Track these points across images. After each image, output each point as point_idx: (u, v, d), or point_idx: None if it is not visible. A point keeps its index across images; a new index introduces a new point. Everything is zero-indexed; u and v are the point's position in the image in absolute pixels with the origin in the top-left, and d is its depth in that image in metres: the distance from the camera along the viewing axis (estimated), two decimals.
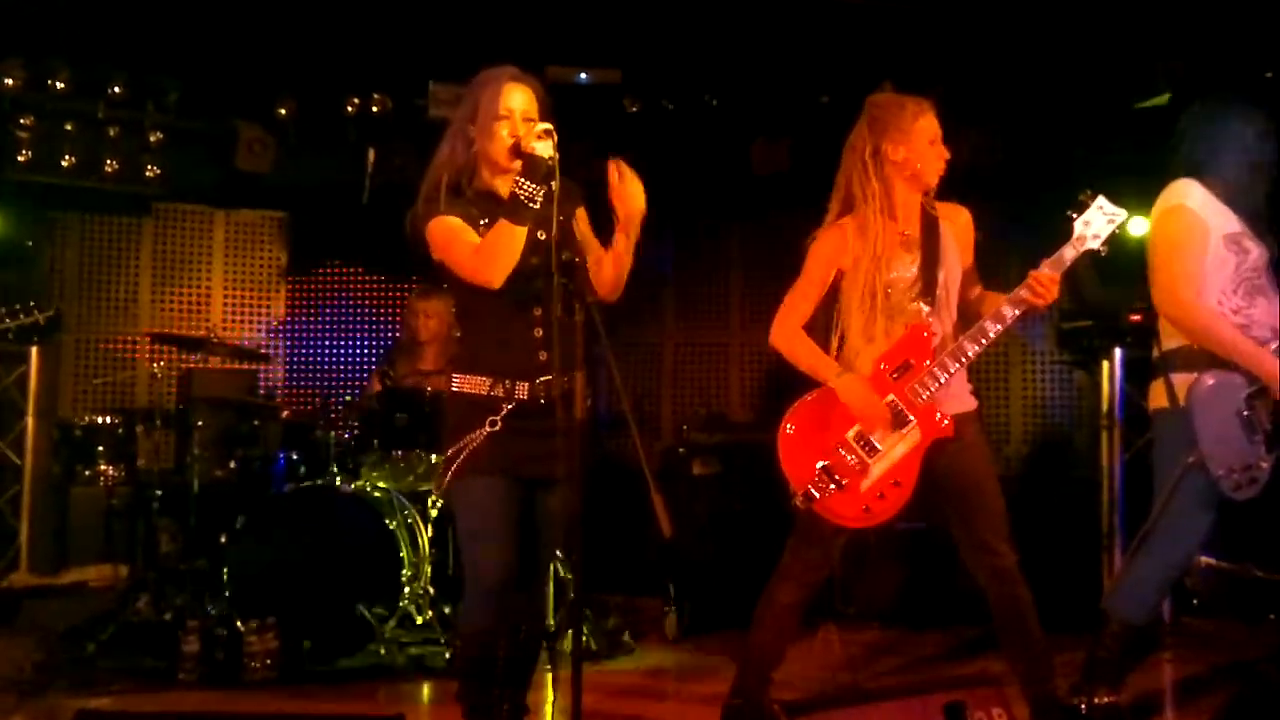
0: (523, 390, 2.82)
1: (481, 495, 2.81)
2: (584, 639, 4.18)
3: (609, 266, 2.91)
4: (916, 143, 3.14)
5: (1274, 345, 3.18)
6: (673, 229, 6.37)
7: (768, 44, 5.46)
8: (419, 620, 4.20)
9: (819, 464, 3.10)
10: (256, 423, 4.97)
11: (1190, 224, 3.21)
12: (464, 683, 2.91)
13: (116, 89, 5.52)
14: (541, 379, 2.81)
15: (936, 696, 2.37)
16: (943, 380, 3.08)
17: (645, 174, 6.12)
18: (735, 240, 6.41)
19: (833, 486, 3.09)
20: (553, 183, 2.71)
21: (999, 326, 3.07)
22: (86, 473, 5.17)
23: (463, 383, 2.87)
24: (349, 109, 5.74)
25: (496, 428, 2.80)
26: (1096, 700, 3.31)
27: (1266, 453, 3.17)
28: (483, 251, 2.76)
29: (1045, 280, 3.04)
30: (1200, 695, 3.79)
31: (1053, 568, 4.77)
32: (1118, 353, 5.34)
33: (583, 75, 5.64)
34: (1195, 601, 5.07)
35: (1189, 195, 3.25)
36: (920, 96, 3.22)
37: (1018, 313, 3.07)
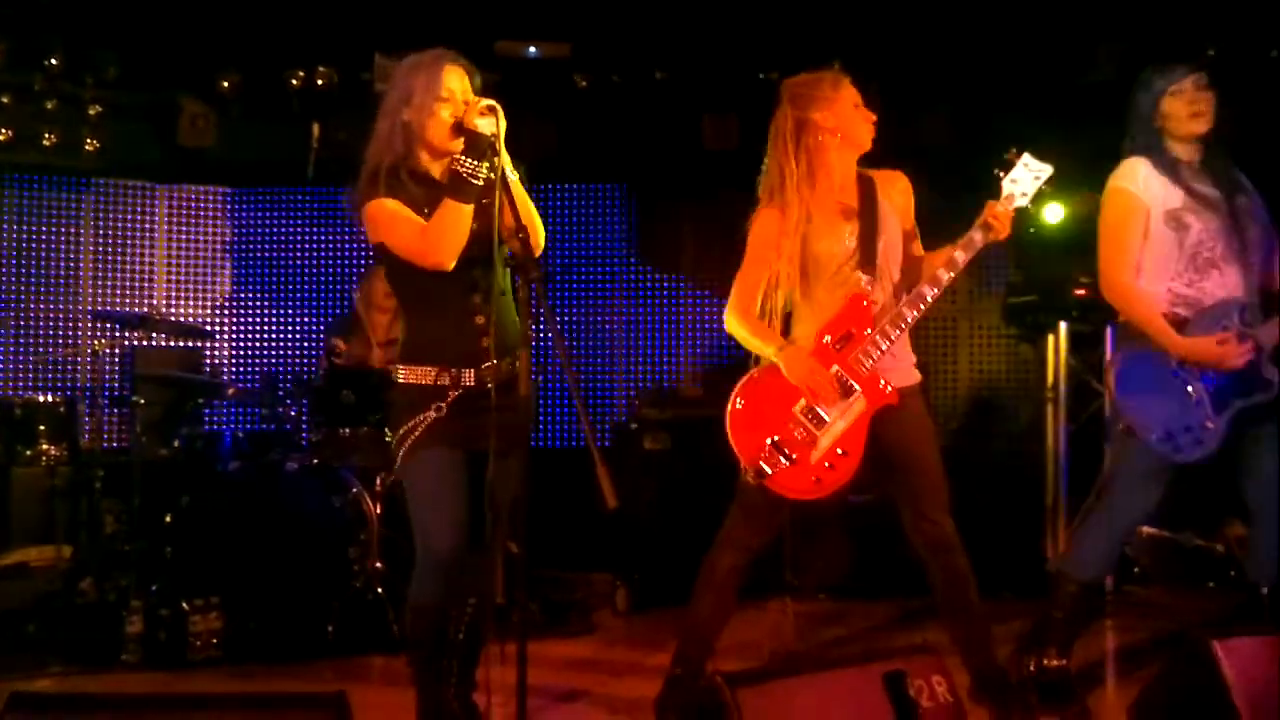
0: (469, 377, 2.82)
1: (431, 469, 2.81)
2: (532, 613, 4.21)
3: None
4: (842, 108, 3.19)
5: (1233, 318, 3.23)
6: (623, 204, 6.36)
7: (717, 19, 5.44)
8: (368, 598, 4.17)
9: (768, 439, 3.12)
10: (201, 400, 4.90)
11: (1126, 206, 3.31)
12: (414, 656, 2.91)
13: (54, 61, 5.39)
14: (486, 364, 2.82)
15: (877, 666, 2.39)
16: (884, 347, 3.12)
17: (597, 149, 6.08)
18: (686, 216, 6.40)
19: (783, 461, 3.11)
20: (495, 160, 2.68)
21: (937, 290, 3.10)
22: (27, 452, 5.05)
23: (409, 374, 2.86)
24: (293, 83, 5.65)
25: (442, 413, 2.80)
26: (1046, 662, 3.40)
27: (1214, 414, 3.23)
28: (430, 233, 2.73)
29: (1002, 216, 3.09)
30: (1140, 661, 3.87)
31: (998, 537, 4.86)
32: (1062, 326, 5.43)
33: (532, 49, 5.60)
34: (1136, 570, 5.19)
35: (1130, 176, 3.33)
36: (835, 70, 3.26)
37: (969, 256, 3.10)
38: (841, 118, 3.17)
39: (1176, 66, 3.38)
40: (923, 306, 3.11)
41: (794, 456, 3.11)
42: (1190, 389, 3.26)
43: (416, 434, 2.80)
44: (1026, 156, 3.15)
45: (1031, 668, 3.41)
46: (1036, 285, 5.46)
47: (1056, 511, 5.36)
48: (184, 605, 3.98)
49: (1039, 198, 3.15)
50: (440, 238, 2.72)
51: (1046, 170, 3.15)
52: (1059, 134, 5.31)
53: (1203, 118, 3.33)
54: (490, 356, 2.80)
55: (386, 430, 2.97)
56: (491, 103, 2.71)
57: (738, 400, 3.17)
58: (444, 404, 2.80)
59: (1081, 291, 5.23)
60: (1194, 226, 3.29)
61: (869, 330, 3.13)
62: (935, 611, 3.34)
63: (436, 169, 2.83)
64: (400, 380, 2.87)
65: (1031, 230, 5.12)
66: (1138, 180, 3.32)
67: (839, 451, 3.12)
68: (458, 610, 2.88)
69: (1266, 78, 5.27)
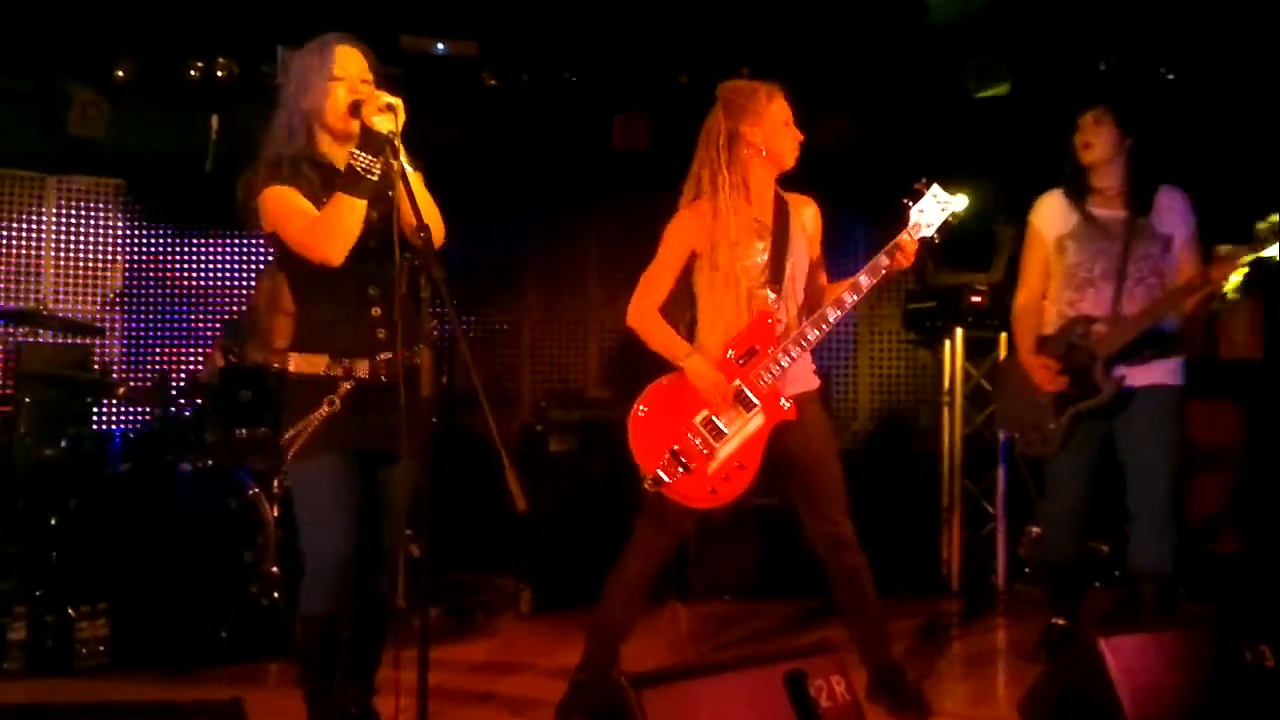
0: (362, 369, 2.76)
1: (321, 475, 2.75)
2: (434, 617, 4.16)
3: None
4: (771, 124, 3.21)
5: (1076, 334, 3.70)
6: (531, 205, 6.33)
7: (627, 21, 5.46)
8: (264, 602, 4.08)
9: (668, 449, 3.15)
10: (90, 399, 4.73)
11: (1026, 237, 3.87)
12: (305, 666, 2.85)
13: None
14: (381, 356, 2.76)
15: (778, 666, 2.43)
16: (785, 365, 3.17)
17: (505, 149, 6.01)
18: (594, 217, 6.40)
19: (681, 470, 3.14)
20: (393, 160, 2.63)
21: (840, 312, 3.16)
22: None
23: (299, 363, 2.79)
24: (191, 73, 5.50)
25: (335, 408, 2.74)
26: (1054, 619, 3.90)
27: (1055, 414, 3.67)
28: (319, 226, 2.67)
29: (907, 245, 3.17)
30: (1031, 657, 3.99)
31: (896, 537, 4.98)
32: (959, 332, 5.57)
33: (439, 46, 5.53)
34: (1027, 570, 5.36)
35: (1034, 209, 3.85)
36: (772, 82, 3.29)
37: (873, 281, 3.16)
38: (769, 134, 3.20)
39: (1089, 105, 3.76)
40: (825, 327, 3.17)
41: (691, 466, 3.15)
42: (1040, 395, 3.71)
43: (306, 435, 2.73)
44: (935, 188, 3.23)
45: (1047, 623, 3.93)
46: (934, 292, 5.59)
47: (952, 512, 5.50)
48: (70, 611, 3.84)
49: (945, 229, 3.23)
50: (329, 231, 2.66)
51: (954, 203, 3.24)
52: (954, 144, 5.48)
53: (1091, 149, 3.70)
54: (387, 349, 2.75)
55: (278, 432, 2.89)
56: (391, 100, 2.66)
57: (641, 408, 3.20)
58: (336, 398, 2.74)
59: (978, 299, 5.38)
60: (1069, 250, 3.70)
61: (772, 348, 3.17)
62: (834, 611, 3.40)
63: (341, 156, 2.78)
64: (290, 370, 2.80)
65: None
66: (1039, 213, 3.82)
67: (737, 465, 3.17)
68: (351, 617, 2.82)
69: (1157, 94, 5.49)
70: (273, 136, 2.78)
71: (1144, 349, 3.64)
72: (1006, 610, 5.05)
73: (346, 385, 2.75)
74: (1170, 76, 5.49)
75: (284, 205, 2.71)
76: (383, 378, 2.76)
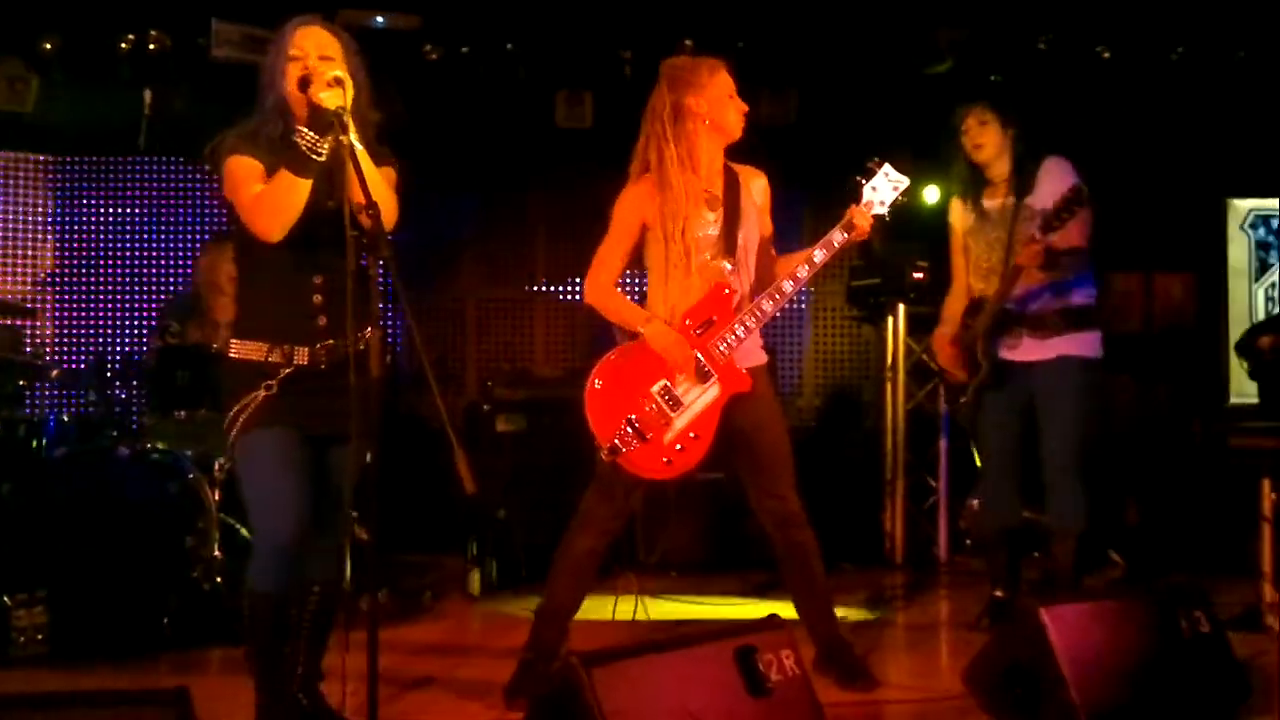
0: (301, 355, 2.72)
1: (266, 451, 2.71)
2: (382, 599, 4.13)
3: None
4: (716, 96, 3.22)
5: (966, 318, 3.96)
6: (475, 182, 6.27)
7: None
8: (206, 588, 4.02)
9: (625, 418, 3.15)
10: (22, 382, 4.61)
11: (950, 239, 4.08)
12: (252, 645, 2.81)
13: None
14: (321, 344, 2.73)
15: (728, 642, 2.44)
16: (742, 336, 3.18)
17: (447, 125, 5.94)
18: (539, 194, 6.36)
19: (637, 440, 3.15)
20: (341, 137, 2.58)
21: (795, 285, 3.19)
22: None
23: (239, 348, 2.76)
24: (123, 46, 5.36)
25: (272, 391, 2.70)
26: (994, 593, 4.03)
27: (965, 389, 3.96)
28: (260, 201, 2.63)
29: (861, 221, 3.21)
30: (973, 627, 4.07)
31: (839, 510, 5.05)
32: (901, 309, 5.63)
33: (379, 19, 5.44)
34: (968, 542, 5.45)
35: (950, 211, 4.07)
36: (713, 57, 3.30)
37: (828, 256, 3.21)
38: (714, 104, 3.21)
39: (964, 106, 3.92)
40: (780, 300, 3.19)
41: (648, 436, 3.15)
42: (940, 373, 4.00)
43: (248, 413, 2.70)
44: (887, 167, 3.29)
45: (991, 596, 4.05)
46: (878, 269, 5.64)
47: (895, 485, 5.58)
48: (6, 599, 3.75)
49: (895, 207, 3.30)
50: (267, 207, 2.62)
51: (904, 181, 3.30)
52: (900, 120, 5.52)
53: (980, 149, 3.90)
54: (328, 336, 2.72)
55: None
56: (338, 74, 2.61)
57: (596, 381, 3.19)
58: (274, 382, 2.70)
59: (920, 276, 5.44)
60: (970, 247, 3.96)
61: (729, 319, 3.19)
62: (781, 585, 3.43)
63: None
64: (231, 355, 2.77)
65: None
66: (952, 214, 4.05)
67: (691, 435, 3.18)
68: (299, 598, 2.80)
69: (1093, 70, 5.58)
70: (258, 114, 2.73)
71: (1051, 323, 3.79)
72: (949, 582, 5.15)
73: (285, 371, 2.72)
74: (1106, 55, 5.57)
75: (239, 174, 2.67)
76: (322, 365, 2.73)
